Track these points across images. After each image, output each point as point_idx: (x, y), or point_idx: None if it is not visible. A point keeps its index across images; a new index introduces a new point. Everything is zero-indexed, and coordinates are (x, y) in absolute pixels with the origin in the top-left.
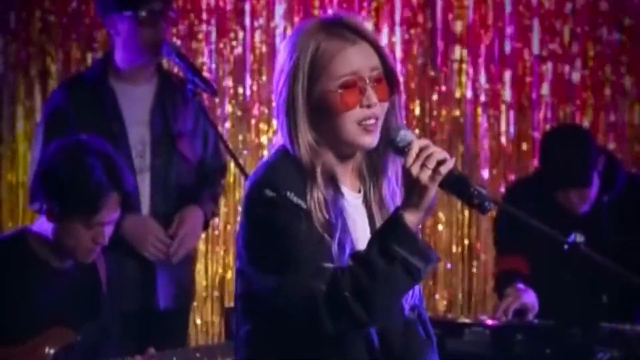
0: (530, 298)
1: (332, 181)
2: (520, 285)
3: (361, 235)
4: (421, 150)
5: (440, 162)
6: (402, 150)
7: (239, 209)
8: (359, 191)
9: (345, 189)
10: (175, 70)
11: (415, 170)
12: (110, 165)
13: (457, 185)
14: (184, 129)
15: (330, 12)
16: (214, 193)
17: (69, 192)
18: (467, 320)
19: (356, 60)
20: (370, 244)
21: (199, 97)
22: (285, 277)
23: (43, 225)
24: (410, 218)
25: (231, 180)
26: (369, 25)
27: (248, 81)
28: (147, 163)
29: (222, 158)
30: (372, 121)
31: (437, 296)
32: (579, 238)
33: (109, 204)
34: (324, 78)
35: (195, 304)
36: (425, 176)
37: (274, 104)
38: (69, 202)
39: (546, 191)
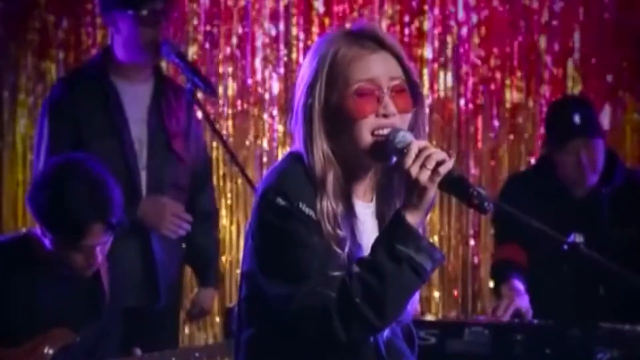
0: (524, 302)
1: (344, 192)
2: (516, 285)
3: (371, 245)
4: (420, 151)
5: (440, 163)
6: (401, 152)
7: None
8: (371, 200)
9: (356, 200)
10: (173, 71)
11: (414, 171)
12: (96, 194)
13: (457, 185)
14: (177, 129)
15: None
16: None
17: (51, 219)
18: (467, 320)
19: (374, 67)
20: (374, 247)
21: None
22: (295, 286)
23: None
24: (411, 218)
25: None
26: (392, 36)
27: None
28: (143, 162)
29: (206, 156)
30: (387, 131)
31: None
32: (579, 238)
33: (92, 232)
34: (341, 84)
35: None
36: (424, 177)
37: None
38: (52, 227)
39: (551, 186)
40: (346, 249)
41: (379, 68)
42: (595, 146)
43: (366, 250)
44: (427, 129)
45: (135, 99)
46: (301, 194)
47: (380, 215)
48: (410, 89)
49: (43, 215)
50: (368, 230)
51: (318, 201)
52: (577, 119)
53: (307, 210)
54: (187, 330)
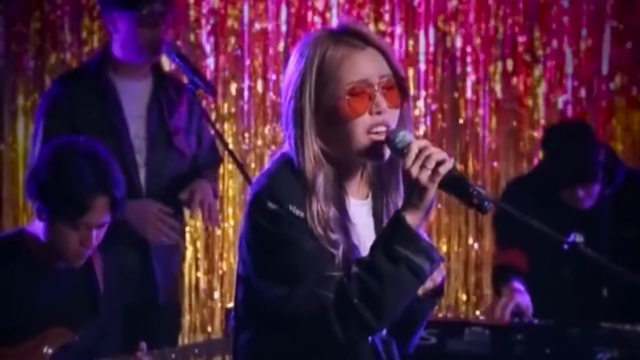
0: (524, 299)
1: (337, 192)
2: (516, 285)
3: (368, 242)
4: (420, 151)
5: (440, 163)
6: (401, 152)
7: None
8: (366, 197)
9: (351, 198)
10: (171, 67)
11: (414, 171)
12: (100, 169)
13: (457, 185)
14: (179, 124)
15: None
16: (213, 175)
17: (54, 193)
18: (467, 320)
19: (364, 66)
20: (373, 247)
21: (198, 97)
22: (291, 287)
23: (38, 226)
24: (411, 219)
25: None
26: (375, 33)
27: None
28: (143, 158)
29: (218, 154)
30: (382, 128)
31: None
32: (579, 238)
33: (95, 207)
34: (332, 85)
35: None
36: (424, 177)
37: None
38: (55, 202)
39: (551, 188)
40: (340, 250)
41: (368, 66)
42: (592, 187)
43: (361, 249)
44: (412, 122)
45: (134, 96)
46: (291, 195)
47: (375, 212)
48: (397, 84)
49: (46, 190)
50: (363, 229)
51: (307, 204)
52: (574, 165)
53: (298, 212)
54: (186, 332)
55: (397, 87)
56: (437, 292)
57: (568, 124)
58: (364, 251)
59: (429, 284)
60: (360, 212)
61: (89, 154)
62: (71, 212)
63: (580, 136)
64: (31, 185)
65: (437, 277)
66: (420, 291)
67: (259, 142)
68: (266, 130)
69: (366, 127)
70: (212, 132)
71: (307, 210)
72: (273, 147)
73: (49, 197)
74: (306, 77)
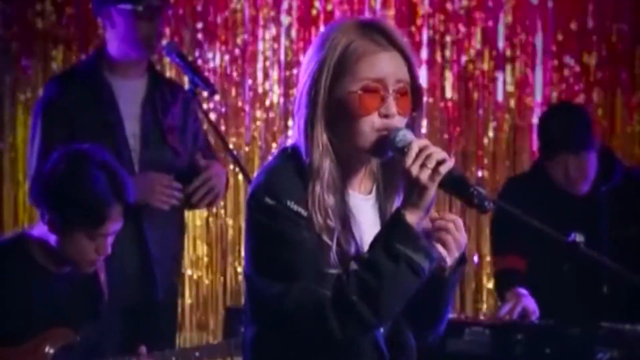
0: (531, 303)
1: (338, 185)
2: (521, 290)
3: (369, 237)
4: (421, 150)
5: (440, 162)
6: (402, 150)
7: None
8: (370, 192)
9: (352, 192)
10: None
11: (414, 170)
12: (113, 177)
13: (457, 185)
14: (173, 123)
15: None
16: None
17: (73, 205)
18: (467, 320)
19: (383, 66)
20: (372, 245)
21: (198, 96)
22: (289, 284)
23: (42, 230)
24: (411, 217)
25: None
26: (403, 36)
27: None
28: (137, 157)
29: (215, 154)
30: (386, 133)
31: None
32: (579, 238)
33: (113, 216)
34: (348, 78)
35: None
36: (424, 176)
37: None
38: (73, 214)
39: (548, 183)
40: (335, 240)
41: (387, 68)
42: (584, 159)
43: (363, 244)
44: (422, 133)
45: (129, 94)
46: (290, 191)
47: (380, 208)
48: (413, 93)
49: (63, 202)
50: (366, 223)
51: (310, 191)
52: (565, 131)
53: (296, 208)
54: (187, 331)
55: (412, 96)
56: (462, 259)
57: (559, 104)
58: (365, 245)
59: (455, 253)
60: (362, 206)
61: (101, 163)
62: (89, 224)
63: (570, 110)
64: (44, 197)
65: (462, 241)
66: (448, 261)
67: None
68: None
69: (373, 127)
70: (214, 131)
71: (307, 201)
72: None
73: (65, 209)
74: (325, 65)
